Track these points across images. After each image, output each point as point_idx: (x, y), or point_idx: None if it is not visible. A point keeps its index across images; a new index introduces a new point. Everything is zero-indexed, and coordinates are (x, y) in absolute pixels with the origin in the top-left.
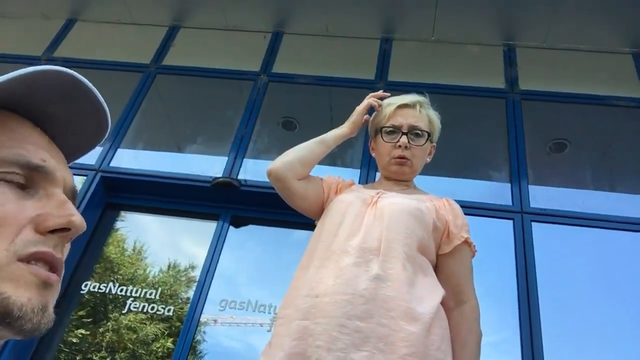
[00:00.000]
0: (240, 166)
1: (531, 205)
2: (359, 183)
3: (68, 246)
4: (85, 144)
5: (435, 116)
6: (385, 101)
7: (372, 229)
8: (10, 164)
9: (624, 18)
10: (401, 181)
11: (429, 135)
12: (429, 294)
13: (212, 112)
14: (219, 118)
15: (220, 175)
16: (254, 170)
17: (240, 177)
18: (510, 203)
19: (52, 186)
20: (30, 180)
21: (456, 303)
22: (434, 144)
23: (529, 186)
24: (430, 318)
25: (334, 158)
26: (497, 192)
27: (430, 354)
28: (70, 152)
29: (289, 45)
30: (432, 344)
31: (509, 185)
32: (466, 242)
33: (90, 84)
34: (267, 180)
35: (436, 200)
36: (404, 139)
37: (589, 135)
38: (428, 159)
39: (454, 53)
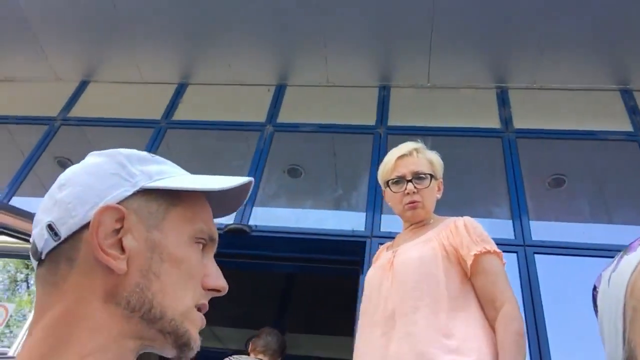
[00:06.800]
0: (250, 213)
1: (533, 238)
2: (365, 228)
3: None
4: (224, 211)
5: (434, 155)
6: (386, 157)
7: (389, 296)
8: (206, 234)
9: (609, 57)
10: (419, 222)
11: (432, 175)
12: (461, 329)
13: (221, 162)
14: (228, 168)
15: (232, 222)
16: (263, 217)
17: (250, 223)
18: (512, 237)
19: (212, 253)
20: (204, 246)
21: (496, 311)
22: (440, 179)
23: (530, 220)
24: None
25: (339, 201)
26: (500, 227)
27: None
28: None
29: (292, 97)
30: None
31: (510, 220)
32: (482, 254)
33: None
34: (276, 225)
35: (444, 230)
36: (409, 186)
37: (585, 169)
38: (439, 195)
39: (449, 97)
